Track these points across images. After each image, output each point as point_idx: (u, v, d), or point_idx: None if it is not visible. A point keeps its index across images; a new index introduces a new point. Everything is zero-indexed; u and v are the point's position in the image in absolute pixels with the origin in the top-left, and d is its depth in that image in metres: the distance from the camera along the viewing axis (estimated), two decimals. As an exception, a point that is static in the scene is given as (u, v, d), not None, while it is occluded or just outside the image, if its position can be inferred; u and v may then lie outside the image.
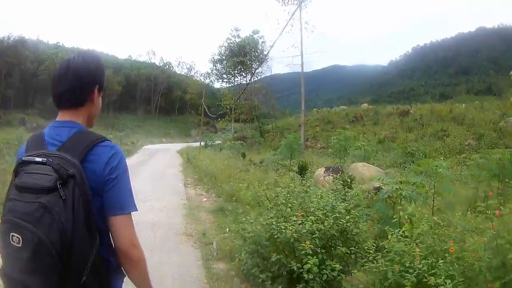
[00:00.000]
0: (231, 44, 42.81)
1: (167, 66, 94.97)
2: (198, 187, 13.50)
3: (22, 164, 1.47)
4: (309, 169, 14.35)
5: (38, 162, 1.43)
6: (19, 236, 1.33)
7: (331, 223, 4.78)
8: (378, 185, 9.66)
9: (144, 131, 61.61)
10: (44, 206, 1.33)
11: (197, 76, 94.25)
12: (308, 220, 4.75)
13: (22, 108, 51.90)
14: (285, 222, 4.82)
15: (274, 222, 4.85)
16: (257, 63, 42.37)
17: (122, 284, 1.70)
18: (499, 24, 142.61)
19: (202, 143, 36.74)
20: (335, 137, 18.74)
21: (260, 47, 42.17)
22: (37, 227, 1.31)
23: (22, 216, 1.34)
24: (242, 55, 41.10)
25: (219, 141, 38.62)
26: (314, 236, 4.59)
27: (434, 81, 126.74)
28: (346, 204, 5.46)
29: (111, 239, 1.60)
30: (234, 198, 10.06)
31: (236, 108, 41.89)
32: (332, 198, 5.64)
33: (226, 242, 6.66)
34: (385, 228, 4.94)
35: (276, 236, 4.76)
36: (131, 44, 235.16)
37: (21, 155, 1.56)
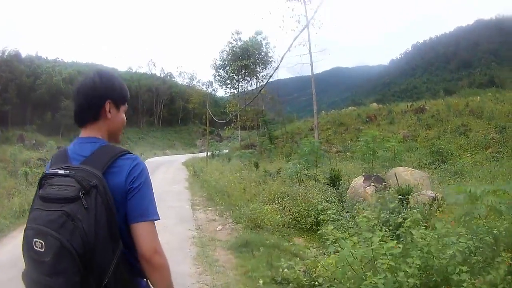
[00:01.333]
0: (234, 48, 40.42)
1: (168, 77, 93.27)
2: (209, 208, 11.00)
3: (46, 177, 1.55)
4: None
5: (61, 175, 1.50)
6: (42, 241, 1.40)
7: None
8: (432, 194, 8.52)
9: (147, 144, 59.63)
10: (67, 214, 1.40)
11: (199, 86, 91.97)
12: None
13: (20, 124, 50.10)
14: None
15: None
16: (262, 66, 39.89)
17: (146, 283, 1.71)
18: (497, 15, 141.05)
19: (209, 153, 34.51)
20: (360, 139, 16.28)
21: (264, 49, 39.70)
22: (59, 232, 1.38)
23: (46, 223, 1.41)
24: (245, 58, 38.71)
25: (226, 150, 36.36)
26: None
27: (435, 77, 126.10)
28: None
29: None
30: (257, 225, 7.61)
31: (242, 115, 39.44)
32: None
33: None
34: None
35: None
36: (130, 56, 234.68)
37: (46, 170, 1.64)
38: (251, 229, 8.04)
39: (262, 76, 40.51)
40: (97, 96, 1.69)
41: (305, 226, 8.46)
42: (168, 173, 21.75)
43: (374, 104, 38.82)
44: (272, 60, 39.64)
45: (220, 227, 8.52)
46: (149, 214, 1.61)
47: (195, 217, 9.70)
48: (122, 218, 1.58)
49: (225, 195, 11.79)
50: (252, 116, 39.28)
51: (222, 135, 64.33)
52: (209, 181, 14.92)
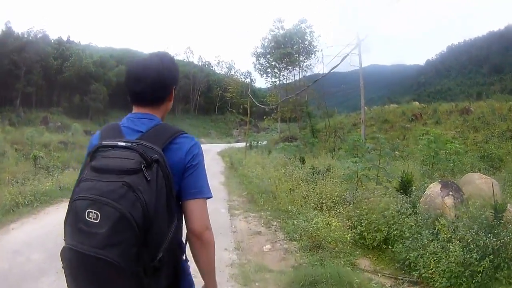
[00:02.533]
0: (276, 36, 38.25)
1: (206, 65, 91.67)
2: (252, 214, 8.86)
3: (100, 149, 1.49)
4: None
5: (122, 147, 1.46)
6: (98, 212, 1.33)
7: None
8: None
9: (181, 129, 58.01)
10: (128, 185, 1.36)
11: (237, 75, 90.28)
12: None
13: (45, 106, 49.39)
14: None
15: None
16: (305, 55, 37.58)
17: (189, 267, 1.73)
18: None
19: (247, 144, 32.53)
20: (422, 137, 14.11)
21: (308, 37, 37.35)
22: (120, 203, 1.33)
23: (103, 193, 1.35)
24: (288, 46, 36.48)
25: (265, 142, 34.36)
26: None
27: (469, 80, 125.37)
28: None
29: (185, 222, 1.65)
30: (318, 244, 5.90)
31: (282, 106, 37.36)
32: None
33: None
34: None
35: None
36: (168, 43, 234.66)
37: (94, 142, 1.61)
38: (309, 249, 5.95)
39: (306, 66, 38.12)
40: (171, 78, 1.72)
41: (372, 243, 6.47)
42: (202, 164, 19.80)
43: (416, 103, 36.43)
44: (316, 50, 37.25)
45: (268, 246, 6.38)
46: (204, 192, 1.65)
47: (234, 227, 7.64)
48: (177, 195, 1.59)
49: (270, 196, 9.81)
50: (292, 107, 37.17)
51: (260, 126, 62.51)
52: (249, 176, 12.95)
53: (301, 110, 36.49)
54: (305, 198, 9.15)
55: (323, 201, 8.62)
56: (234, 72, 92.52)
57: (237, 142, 47.81)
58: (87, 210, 1.34)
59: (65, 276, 1.42)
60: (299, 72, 38.48)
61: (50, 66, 51.60)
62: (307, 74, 39.23)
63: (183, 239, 1.65)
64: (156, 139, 1.55)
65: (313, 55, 37.74)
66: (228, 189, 12.05)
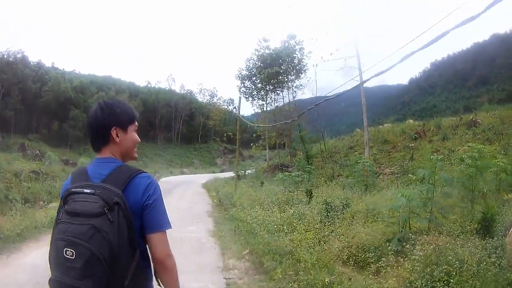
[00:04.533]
0: (263, 55, 34.88)
1: (188, 94, 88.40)
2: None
3: (71, 194, 1.71)
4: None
5: (87, 193, 1.68)
6: (73, 251, 1.57)
7: None
8: None
9: (164, 160, 54.49)
10: (95, 227, 1.58)
11: (220, 103, 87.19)
12: None
13: (24, 132, 46.16)
14: None
15: None
16: (294, 75, 34.25)
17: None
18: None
19: (233, 174, 28.80)
20: (464, 155, 10.70)
21: (298, 55, 33.99)
22: (90, 243, 1.56)
23: (76, 235, 1.58)
24: (276, 65, 33.10)
25: (250, 171, 30.72)
26: None
27: (454, 95, 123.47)
28: None
29: (148, 251, 1.84)
30: None
31: (270, 131, 33.96)
32: None
33: None
34: None
35: None
36: (149, 70, 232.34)
37: (66, 186, 1.83)
38: None
39: (296, 86, 34.67)
40: (101, 126, 1.88)
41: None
42: (183, 200, 16.05)
43: (411, 121, 33.58)
44: (306, 69, 33.86)
45: None
46: (163, 225, 1.83)
47: None
48: (139, 229, 1.78)
49: (289, 257, 6.26)
50: (281, 132, 33.87)
51: (244, 155, 59.02)
52: (248, 222, 9.34)
53: (289, 135, 33.29)
54: (339, 254, 6.44)
55: (359, 254, 6.35)
56: (217, 100, 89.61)
57: (222, 171, 44.35)
58: (65, 249, 1.59)
59: None
60: (288, 94, 34.92)
61: (29, 90, 48.33)
62: (297, 98, 35.62)
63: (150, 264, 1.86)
64: (116, 182, 1.75)
65: (303, 75, 34.24)
66: (221, 243, 8.19)
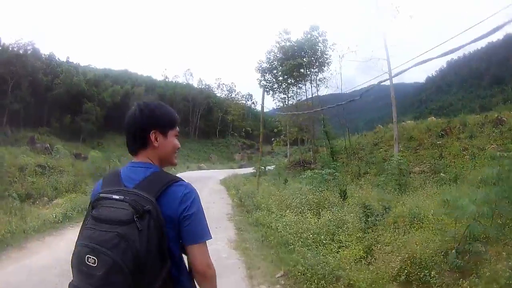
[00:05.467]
0: (285, 47, 33.03)
1: (206, 88, 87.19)
2: None
3: (100, 199, 1.63)
4: None
5: (116, 199, 1.59)
6: (95, 258, 1.48)
7: None
8: None
9: (180, 156, 52.49)
10: (120, 235, 1.48)
11: (238, 98, 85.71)
12: None
13: (34, 125, 44.35)
14: None
15: None
16: (316, 68, 32.32)
17: None
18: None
19: (253, 170, 27.12)
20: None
21: (320, 47, 32.03)
22: (113, 251, 1.46)
23: (99, 242, 1.49)
24: (299, 57, 31.24)
25: (271, 167, 29.59)
26: None
27: (470, 94, 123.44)
28: None
29: (187, 262, 1.78)
30: None
31: (292, 126, 32.63)
32: None
33: None
34: None
35: None
36: (167, 65, 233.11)
37: (97, 191, 1.75)
38: None
39: (319, 79, 32.73)
40: (139, 129, 1.77)
41: None
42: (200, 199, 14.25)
43: (433, 118, 31.32)
44: (330, 61, 31.93)
45: None
46: (203, 236, 1.71)
47: None
48: (174, 239, 1.68)
49: (335, 282, 4.90)
50: (302, 127, 32.54)
51: (263, 150, 57.31)
52: (275, 227, 7.89)
53: (311, 130, 31.83)
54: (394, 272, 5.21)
55: (413, 271, 5.18)
56: (235, 95, 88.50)
57: (240, 167, 42.89)
58: (87, 256, 1.50)
59: None
60: (310, 87, 32.97)
61: (39, 82, 46.73)
62: (320, 92, 33.57)
63: (183, 275, 1.75)
64: (150, 188, 1.64)
65: (326, 68, 32.28)
66: (246, 260, 6.42)
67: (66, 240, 7.41)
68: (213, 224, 8.91)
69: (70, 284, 1.58)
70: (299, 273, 5.27)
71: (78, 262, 1.54)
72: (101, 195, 1.63)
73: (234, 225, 9.46)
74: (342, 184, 14.92)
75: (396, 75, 21.67)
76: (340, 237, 6.84)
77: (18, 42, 46.06)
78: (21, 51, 45.54)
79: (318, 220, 8.02)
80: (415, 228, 6.93)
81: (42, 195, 13.44)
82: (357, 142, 30.01)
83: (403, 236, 6.38)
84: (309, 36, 32.26)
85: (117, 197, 1.58)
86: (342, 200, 10.71)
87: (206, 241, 1.73)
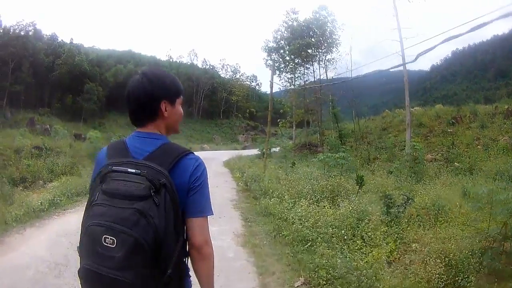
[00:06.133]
0: (292, 26, 31.94)
1: (211, 69, 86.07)
2: None
3: (110, 172, 1.50)
4: None
5: (131, 172, 1.47)
6: (114, 238, 1.37)
7: None
8: None
9: (184, 136, 51.84)
10: (140, 211, 1.39)
11: (243, 79, 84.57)
12: None
13: (34, 107, 43.73)
14: None
15: None
16: (325, 48, 31.12)
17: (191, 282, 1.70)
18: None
19: (258, 152, 26.06)
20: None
21: (329, 27, 30.79)
22: (133, 230, 1.37)
23: (117, 220, 1.39)
24: (308, 36, 30.10)
25: (276, 149, 28.06)
26: None
27: (474, 85, 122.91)
28: None
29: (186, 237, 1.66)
30: None
31: (298, 108, 32.08)
32: None
33: None
34: None
35: None
36: (171, 45, 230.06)
37: (102, 161, 1.63)
38: None
39: (327, 60, 31.59)
40: (150, 99, 1.66)
41: None
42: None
43: (440, 105, 31.32)
44: (339, 42, 30.80)
45: None
46: (206, 210, 1.65)
47: None
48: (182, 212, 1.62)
49: None
50: (308, 109, 31.67)
51: (266, 132, 56.66)
52: (288, 219, 7.04)
53: (313, 113, 31.30)
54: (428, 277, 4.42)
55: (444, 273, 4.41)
56: (240, 76, 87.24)
57: (244, 148, 42.04)
58: (104, 236, 1.38)
59: None
60: (318, 68, 31.82)
61: (41, 63, 45.74)
62: (330, 75, 32.39)
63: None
64: (162, 161, 1.56)
65: (334, 49, 31.10)
66: (257, 262, 5.34)
67: (48, 233, 6.52)
68: (216, 213, 7.90)
69: (81, 269, 1.46)
70: (324, 282, 4.30)
71: (92, 243, 1.42)
72: (113, 167, 1.51)
73: (240, 214, 8.45)
74: (355, 169, 13.97)
75: (409, 62, 20.63)
76: (364, 232, 5.99)
77: (19, 24, 45.35)
78: (22, 33, 44.81)
79: (335, 211, 7.10)
80: (440, 222, 6.43)
81: (37, 179, 12.68)
82: (364, 126, 29.35)
83: (428, 231, 5.85)
84: (317, 15, 31.07)
85: (132, 170, 1.47)
86: (359, 188, 9.75)
87: (207, 217, 1.67)
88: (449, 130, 22.71)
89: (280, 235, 6.46)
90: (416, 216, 6.79)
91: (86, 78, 48.55)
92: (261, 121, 74.10)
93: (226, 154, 27.00)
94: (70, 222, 6.88)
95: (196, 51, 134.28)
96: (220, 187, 12.05)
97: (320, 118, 30.38)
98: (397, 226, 6.29)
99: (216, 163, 21.01)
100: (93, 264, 1.41)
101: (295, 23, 32.23)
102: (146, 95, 1.63)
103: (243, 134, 65.40)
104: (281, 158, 21.42)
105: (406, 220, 6.53)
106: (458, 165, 15.64)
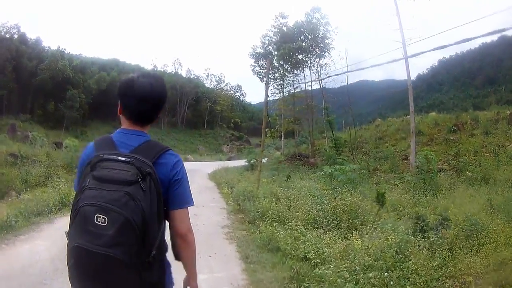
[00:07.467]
0: (282, 30, 30.33)
1: (195, 78, 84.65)
2: None
3: (101, 160, 1.60)
4: None
5: (121, 160, 1.58)
6: (105, 217, 1.46)
7: None
8: None
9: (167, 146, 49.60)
10: (129, 194, 1.48)
11: (227, 89, 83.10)
12: None
13: (16, 112, 42.36)
14: None
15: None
16: (316, 53, 29.31)
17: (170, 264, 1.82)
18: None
19: (246, 163, 24.09)
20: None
21: (321, 30, 28.96)
22: (123, 209, 1.46)
23: (109, 201, 1.47)
24: (299, 40, 28.27)
25: (265, 159, 26.15)
26: None
27: (462, 93, 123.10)
28: None
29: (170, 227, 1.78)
30: None
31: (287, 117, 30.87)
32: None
33: None
34: None
35: None
36: (156, 56, 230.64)
37: (91, 154, 1.71)
38: None
39: (320, 65, 29.75)
40: (162, 101, 1.81)
41: None
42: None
43: (434, 113, 30.44)
44: (331, 47, 29.00)
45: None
46: (188, 201, 1.78)
47: None
48: (165, 202, 1.72)
49: None
50: (299, 117, 30.41)
51: (251, 142, 55.74)
52: (307, 257, 5.17)
53: (299, 123, 30.19)
54: None
55: None
56: (224, 86, 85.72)
57: (229, 159, 40.23)
58: (96, 215, 1.47)
59: (71, 272, 1.55)
60: (310, 74, 29.96)
61: (24, 67, 44.53)
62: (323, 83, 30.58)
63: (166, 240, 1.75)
64: (147, 154, 1.66)
65: (326, 53, 29.27)
66: None
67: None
68: (204, 247, 5.69)
69: (71, 248, 1.52)
70: None
71: (84, 222, 1.49)
72: (104, 156, 1.60)
73: (237, 249, 6.11)
74: (360, 183, 12.12)
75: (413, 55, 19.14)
76: (410, 274, 4.51)
77: (4, 25, 44.22)
78: (7, 35, 43.69)
79: (364, 243, 5.18)
80: (483, 245, 5.56)
81: (9, 189, 12.09)
82: (358, 135, 27.91)
83: (475, 257, 5.05)
84: (310, 18, 29.20)
85: (122, 158, 1.57)
86: (379, 208, 7.84)
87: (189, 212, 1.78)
88: (451, 138, 21.66)
89: (303, 287, 4.31)
90: (455, 240, 5.79)
91: (69, 84, 47.07)
92: (245, 132, 72.32)
93: (211, 165, 24.95)
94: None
95: (180, 61, 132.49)
96: (207, 207, 9.78)
97: (312, 127, 28.50)
98: (441, 257, 5.06)
99: (201, 175, 18.91)
100: (85, 242, 1.46)
101: (284, 28, 30.47)
102: (159, 96, 1.77)
103: (228, 145, 63.70)
104: (273, 170, 19.56)
105: (448, 247, 5.47)
106: (470, 174, 14.34)
